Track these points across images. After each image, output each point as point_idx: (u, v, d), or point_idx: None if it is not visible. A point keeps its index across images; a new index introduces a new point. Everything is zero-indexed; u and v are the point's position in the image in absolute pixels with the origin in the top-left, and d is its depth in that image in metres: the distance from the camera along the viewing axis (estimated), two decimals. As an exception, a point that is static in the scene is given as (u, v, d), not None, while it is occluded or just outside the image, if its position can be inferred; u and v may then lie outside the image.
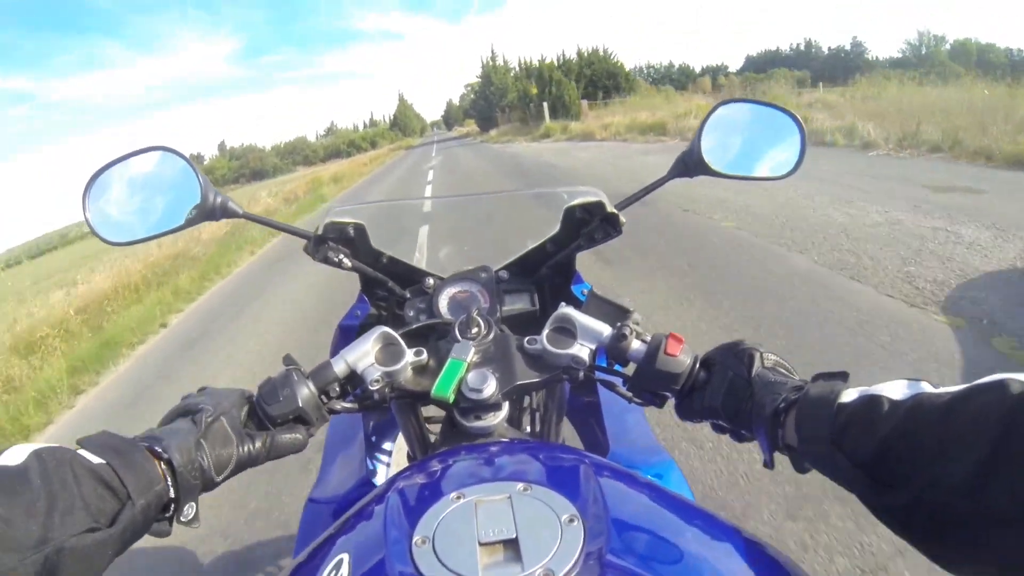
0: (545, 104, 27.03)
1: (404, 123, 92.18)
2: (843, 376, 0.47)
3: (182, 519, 0.47)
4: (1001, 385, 0.35)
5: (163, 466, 0.45)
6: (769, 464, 0.51)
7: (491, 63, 45.10)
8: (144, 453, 0.44)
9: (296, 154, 77.32)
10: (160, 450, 0.45)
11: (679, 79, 48.61)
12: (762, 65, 56.68)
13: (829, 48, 60.03)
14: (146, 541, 0.46)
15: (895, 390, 0.42)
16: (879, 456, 0.40)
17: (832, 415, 0.44)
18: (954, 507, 0.35)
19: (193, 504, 0.47)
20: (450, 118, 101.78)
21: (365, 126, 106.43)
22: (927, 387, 0.41)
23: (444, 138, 53.58)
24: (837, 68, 48.21)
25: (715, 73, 51.04)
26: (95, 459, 0.42)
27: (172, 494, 0.45)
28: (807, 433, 0.45)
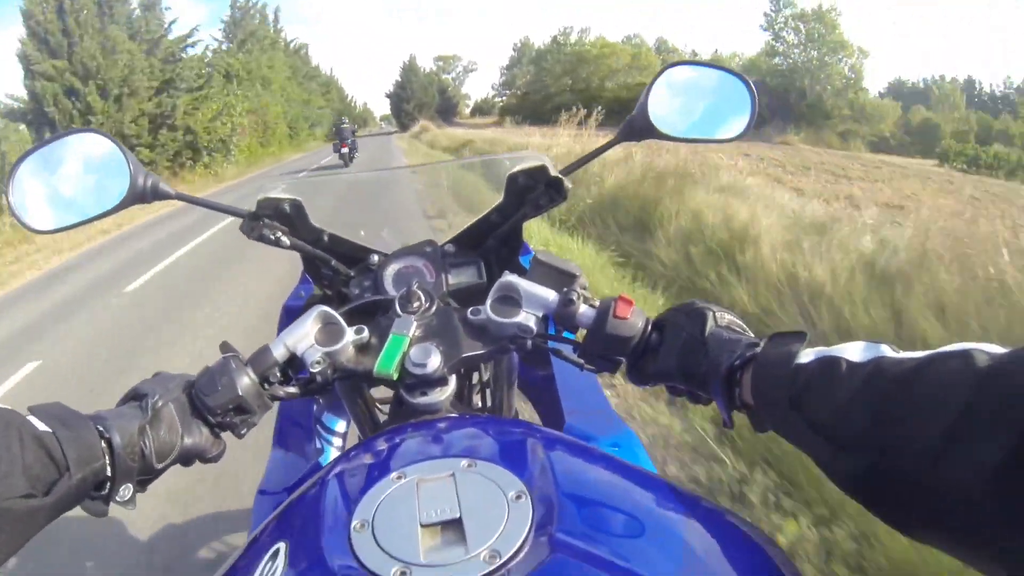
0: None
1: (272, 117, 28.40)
2: (800, 336, 0.46)
3: (117, 499, 0.47)
4: (965, 354, 0.35)
5: (105, 445, 0.46)
6: (728, 423, 0.50)
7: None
8: (90, 428, 0.45)
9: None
10: (103, 429, 0.46)
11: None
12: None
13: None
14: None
15: (854, 352, 0.41)
16: (838, 420, 0.39)
17: (790, 377, 0.43)
18: (913, 474, 0.35)
19: (130, 486, 0.47)
20: (402, 107, 56.45)
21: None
22: (887, 351, 0.40)
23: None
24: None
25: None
26: (41, 426, 0.42)
27: (109, 473, 0.46)
28: (764, 394, 0.45)
